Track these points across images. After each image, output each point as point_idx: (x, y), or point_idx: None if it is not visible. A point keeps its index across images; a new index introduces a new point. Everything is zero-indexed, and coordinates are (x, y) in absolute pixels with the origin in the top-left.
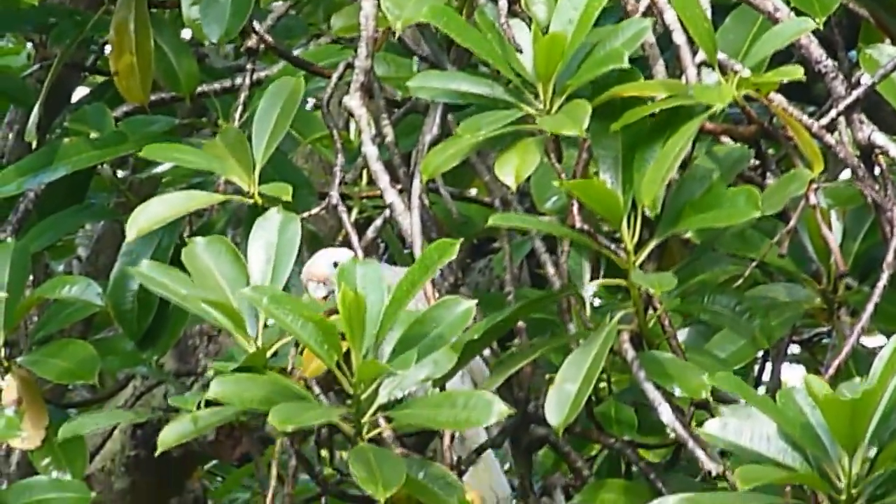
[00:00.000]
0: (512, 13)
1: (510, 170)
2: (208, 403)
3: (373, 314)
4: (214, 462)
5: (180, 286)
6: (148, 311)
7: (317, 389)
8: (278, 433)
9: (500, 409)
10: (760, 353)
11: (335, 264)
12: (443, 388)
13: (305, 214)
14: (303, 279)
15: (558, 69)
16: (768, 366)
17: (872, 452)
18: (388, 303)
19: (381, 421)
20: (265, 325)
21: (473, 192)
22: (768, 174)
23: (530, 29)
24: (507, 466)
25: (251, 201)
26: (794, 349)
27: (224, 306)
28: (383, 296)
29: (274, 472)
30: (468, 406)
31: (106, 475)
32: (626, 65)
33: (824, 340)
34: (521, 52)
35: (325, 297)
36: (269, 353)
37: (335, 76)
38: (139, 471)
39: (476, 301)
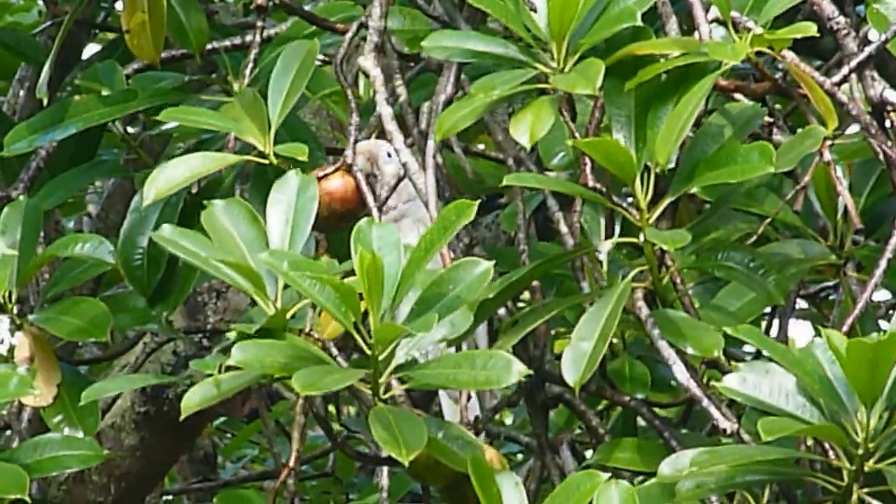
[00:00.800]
0: None
1: (525, 128)
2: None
3: (390, 276)
4: (224, 419)
5: (201, 249)
6: (157, 268)
7: (334, 351)
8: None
9: (521, 369)
10: (767, 309)
11: (389, 154)
12: (458, 349)
13: (321, 174)
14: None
15: (572, 28)
16: (775, 322)
17: (890, 407)
18: (406, 264)
19: (394, 382)
20: (285, 287)
21: (481, 147)
22: (776, 130)
23: None
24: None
25: (267, 161)
26: (801, 304)
27: (245, 268)
28: (400, 257)
29: (299, 424)
30: (488, 366)
31: (116, 431)
32: (638, 22)
33: (831, 296)
34: (534, 10)
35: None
36: (288, 315)
37: (349, 35)
38: (149, 427)
39: (493, 262)
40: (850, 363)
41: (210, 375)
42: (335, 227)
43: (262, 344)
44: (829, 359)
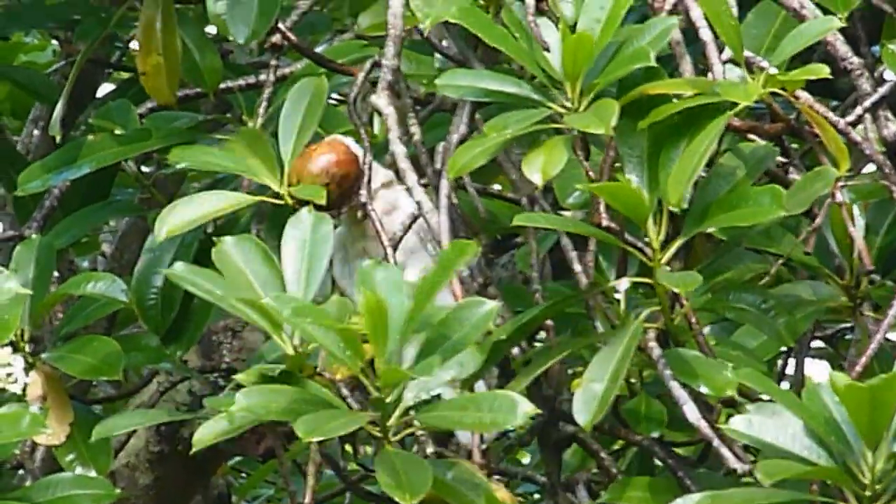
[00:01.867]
0: (539, 11)
1: (537, 168)
2: None
3: (395, 318)
4: (239, 458)
5: (215, 287)
6: (172, 307)
7: (345, 391)
8: None
9: (526, 410)
10: (784, 348)
11: None
12: (471, 389)
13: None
14: None
15: (585, 68)
16: (791, 361)
17: None
18: (411, 306)
19: (416, 422)
20: None
21: (497, 187)
22: (792, 170)
23: (557, 28)
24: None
25: (282, 202)
26: (817, 344)
27: (261, 307)
28: (405, 298)
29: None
30: (493, 407)
31: (130, 471)
32: (652, 63)
33: (847, 336)
34: (548, 50)
35: None
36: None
37: (362, 74)
38: (163, 466)
39: (499, 302)
40: (850, 405)
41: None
42: (346, 199)
43: (266, 389)
44: (835, 400)
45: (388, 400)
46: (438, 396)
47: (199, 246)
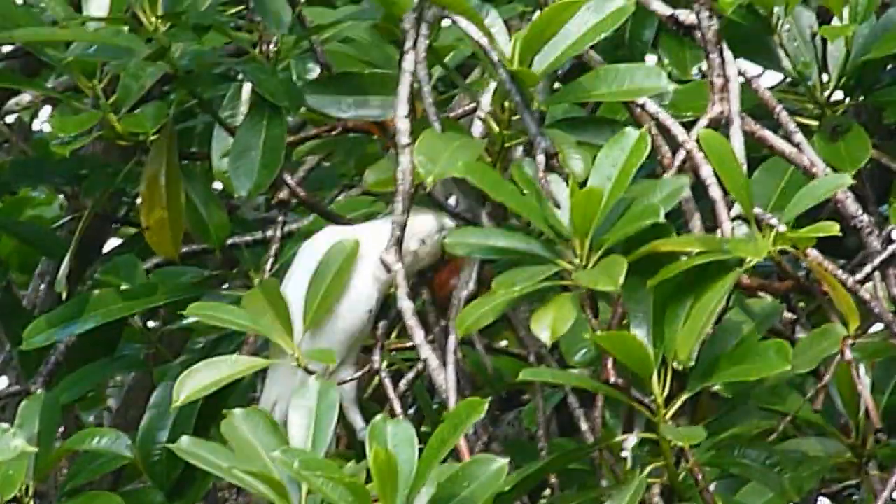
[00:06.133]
0: (549, 167)
1: (546, 325)
2: None
3: (404, 473)
4: None
5: (222, 459)
6: (177, 462)
7: None
8: None
9: None
10: None
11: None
12: None
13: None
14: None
15: (595, 224)
16: None
17: None
18: (419, 461)
19: None
20: (308, 493)
21: (503, 343)
22: (798, 328)
23: (567, 184)
24: None
25: (294, 364)
26: (823, 502)
27: (266, 477)
28: (414, 454)
29: None
30: None
31: None
32: (662, 220)
33: (854, 496)
34: (558, 206)
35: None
36: None
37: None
38: None
39: (508, 459)
40: None
41: None
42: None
43: None
44: None
45: None
46: None
47: (202, 402)
